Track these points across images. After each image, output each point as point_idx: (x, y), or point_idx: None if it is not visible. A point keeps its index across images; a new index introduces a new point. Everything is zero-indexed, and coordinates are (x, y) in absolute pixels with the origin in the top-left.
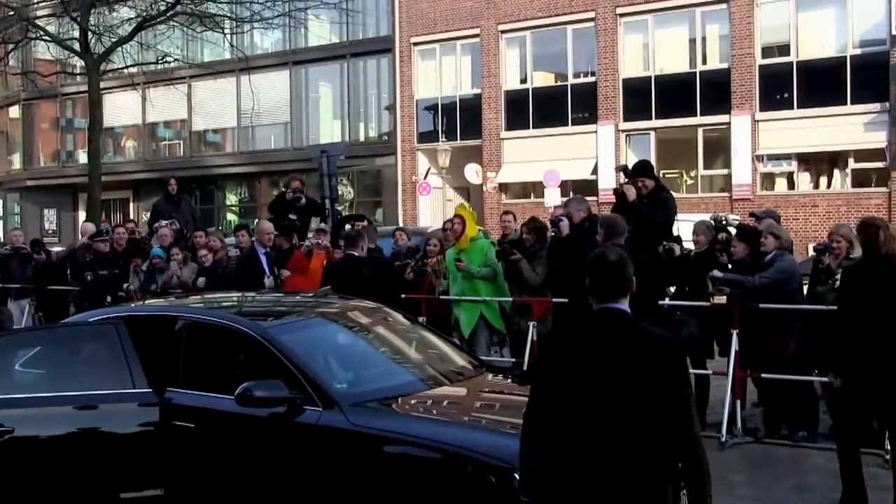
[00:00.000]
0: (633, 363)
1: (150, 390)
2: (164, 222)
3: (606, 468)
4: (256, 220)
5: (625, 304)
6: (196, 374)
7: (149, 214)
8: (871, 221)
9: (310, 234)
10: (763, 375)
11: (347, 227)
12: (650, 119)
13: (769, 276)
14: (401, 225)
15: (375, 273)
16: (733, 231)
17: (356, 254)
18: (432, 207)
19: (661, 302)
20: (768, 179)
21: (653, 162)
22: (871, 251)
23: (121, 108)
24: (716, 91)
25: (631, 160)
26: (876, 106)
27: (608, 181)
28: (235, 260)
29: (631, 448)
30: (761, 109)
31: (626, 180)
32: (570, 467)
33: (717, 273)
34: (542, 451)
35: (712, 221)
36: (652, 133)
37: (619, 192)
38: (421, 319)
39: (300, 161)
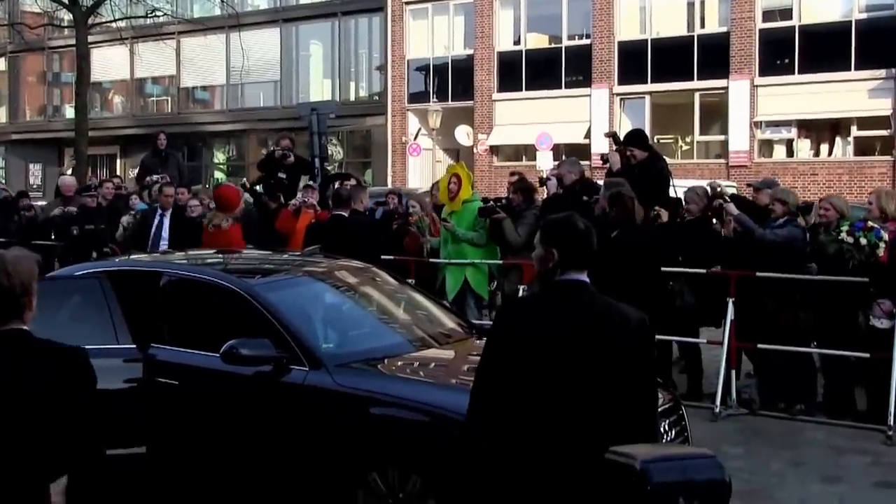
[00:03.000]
0: (595, 337)
1: (134, 346)
2: (155, 177)
3: (559, 443)
4: (243, 180)
5: (584, 276)
6: (181, 331)
7: (136, 170)
8: None
9: (299, 194)
10: (759, 346)
11: (336, 185)
12: (645, 83)
13: (781, 234)
14: (389, 185)
15: (363, 234)
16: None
17: (344, 214)
18: (422, 169)
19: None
20: (766, 146)
21: (647, 127)
22: None
23: (109, 63)
24: (714, 55)
25: (625, 125)
26: (881, 72)
27: (601, 146)
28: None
29: (586, 424)
30: (761, 74)
31: (615, 148)
32: (521, 441)
33: (732, 208)
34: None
35: (707, 188)
36: (647, 97)
37: (606, 159)
38: (409, 281)
39: (290, 119)
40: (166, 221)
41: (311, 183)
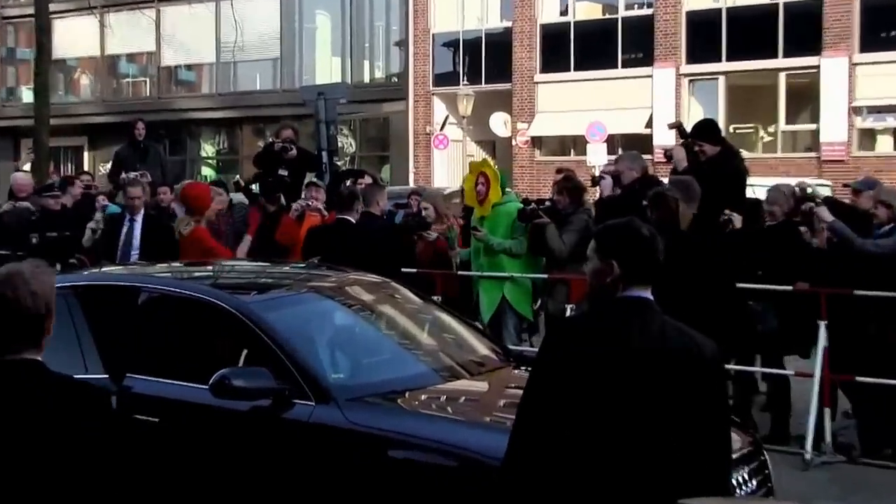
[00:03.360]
0: (661, 368)
1: (107, 376)
2: (132, 174)
3: (615, 494)
4: (237, 177)
5: (649, 293)
6: (163, 358)
7: (108, 166)
8: None
9: (302, 194)
10: (858, 379)
11: (347, 184)
12: (719, 61)
13: (886, 245)
14: (411, 184)
15: (372, 243)
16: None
17: (350, 219)
18: (449, 164)
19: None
20: (867, 137)
21: (721, 115)
22: None
23: (75, 37)
24: (804, 27)
25: (694, 112)
26: None
27: (665, 138)
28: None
29: (647, 471)
30: (861, 50)
31: (680, 142)
32: (570, 491)
33: (825, 214)
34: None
35: (795, 188)
36: (721, 78)
37: (669, 156)
38: (435, 298)
39: (292, 105)
40: (137, 227)
41: (316, 181)
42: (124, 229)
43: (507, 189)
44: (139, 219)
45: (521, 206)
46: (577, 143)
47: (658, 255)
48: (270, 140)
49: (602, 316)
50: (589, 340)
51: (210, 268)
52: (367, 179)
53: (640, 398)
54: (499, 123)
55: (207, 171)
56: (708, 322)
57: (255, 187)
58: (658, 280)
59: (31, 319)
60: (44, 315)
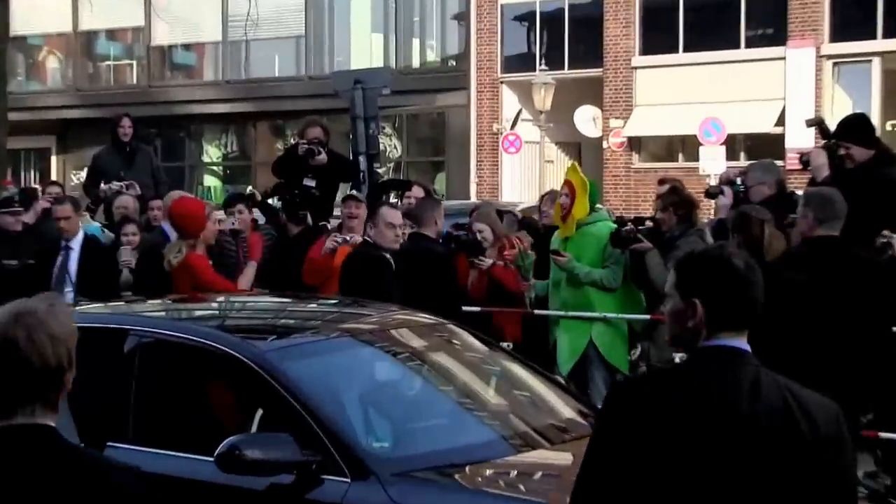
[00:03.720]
0: (762, 439)
1: (81, 445)
2: (116, 184)
3: None
4: (249, 189)
5: (745, 341)
6: (155, 421)
7: (83, 173)
8: None
9: (336, 213)
10: None
11: (391, 197)
12: (873, 38)
13: None
14: (473, 198)
15: (431, 273)
16: None
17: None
18: (522, 172)
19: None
20: None
21: (875, 108)
22: None
23: (40, 9)
24: None
25: (840, 104)
26: None
27: (801, 138)
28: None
29: None
30: None
31: (820, 143)
32: None
33: None
34: None
35: None
36: (875, 60)
37: (806, 161)
38: (505, 345)
39: (320, 97)
40: (73, 257)
41: (355, 193)
42: (58, 260)
43: (599, 206)
44: (76, 245)
45: (615, 226)
46: (686, 146)
47: (756, 292)
48: (293, 141)
49: (677, 372)
50: (662, 403)
51: (216, 305)
52: (418, 192)
53: (731, 478)
54: (586, 120)
55: (212, 182)
56: (823, 376)
57: (274, 201)
58: (756, 325)
59: (48, 373)
60: (64, 367)
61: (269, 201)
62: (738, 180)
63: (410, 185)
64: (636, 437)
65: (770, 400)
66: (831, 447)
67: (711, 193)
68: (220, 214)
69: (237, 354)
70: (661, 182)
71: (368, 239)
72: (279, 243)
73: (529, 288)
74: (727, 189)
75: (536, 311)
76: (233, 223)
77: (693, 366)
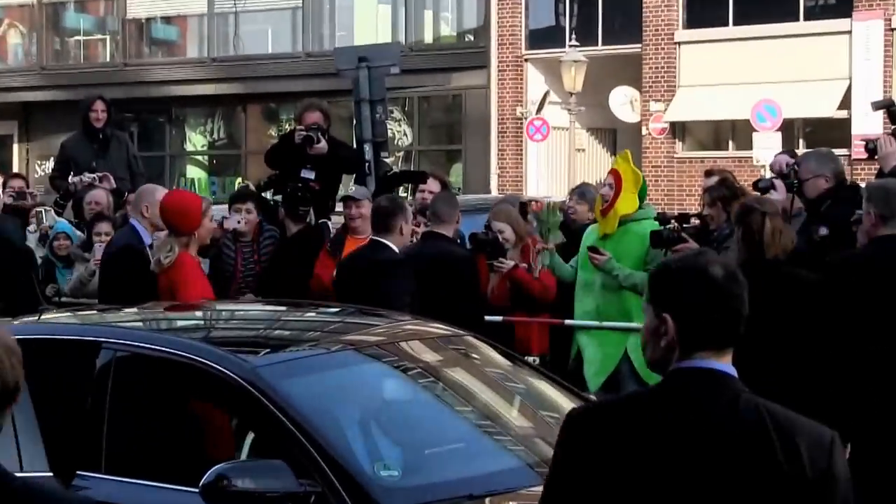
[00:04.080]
0: (744, 475)
1: (51, 474)
2: (88, 176)
3: None
4: (238, 181)
5: (728, 363)
6: (132, 446)
7: (50, 164)
8: None
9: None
10: None
11: (403, 192)
12: None
13: None
14: (494, 192)
15: (429, 278)
16: None
17: (388, 243)
18: (549, 163)
19: None
20: None
21: None
22: None
23: None
24: None
25: None
26: None
27: (867, 123)
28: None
29: None
30: None
31: (890, 128)
32: None
33: None
34: None
35: None
36: None
37: (873, 148)
38: (530, 359)
39: (319, 77)
40: None
41: (352, 193)
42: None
43: (646, 202)
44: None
45: (657, 223)
46: (737, 132)
47: (736, 305)
48: (289, 128)
49: (639, 399)
50: (628, 432)
51: (201, 314)
52: (434, 185)
53: None
54: (623, 103)
55: (196, 173)
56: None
57: (268, 195)
58: (739, 342)
59: (7, 394)
60: (11, 391)
61: (264, 195)
62: (792, 170)
63: (425, 178)
64: (590, 474)
65: (745, 426)
66: (817, 483)
67: (762, 187)
68: (252, 216)
69: (225, 370)
70: (709, 173)
71: (377, 238)
72: (279, 246)
73: (544, 253)
74: (779, 183)
75: (567, 322)
76: (239, 221)
77: (659, 391)
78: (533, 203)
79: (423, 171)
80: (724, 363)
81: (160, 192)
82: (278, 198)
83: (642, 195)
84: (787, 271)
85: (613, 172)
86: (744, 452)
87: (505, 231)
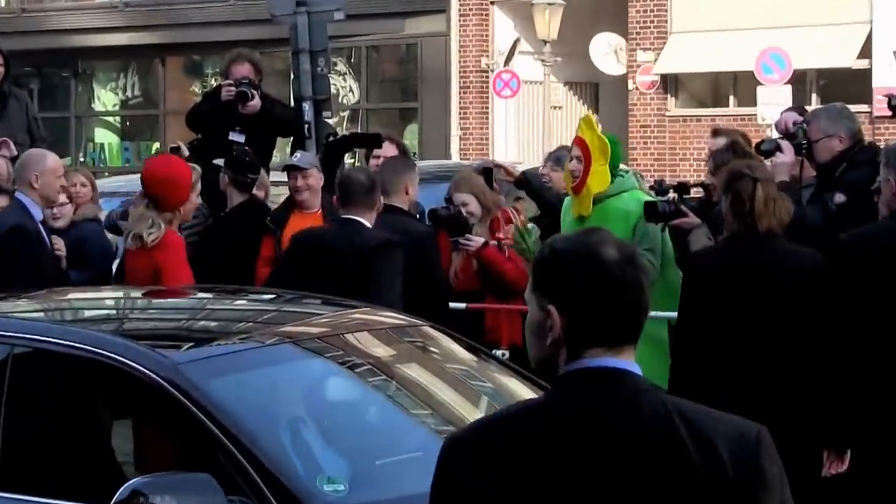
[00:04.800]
0: (655, 486)
1: None
2: None
3: None
4: (156, 147)
5: (630, 360)
6: (31, 459)
7: None
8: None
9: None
10: None
11: (347, 162)
12: None
13: None
14: (455, 158)
15: (395, 259)
16: None
17: (362, 220)
18: (521, 123)
19: None
20: None
21: None
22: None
23: None
24: None
25: None
26: None
27: (890, 75)
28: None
29: None
30: None
31: None
32: None
33: None
34: None
35: None
36: None
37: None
38: (499, 352)
39: (250, 24)
40: None
41: (295, 162)
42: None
43: (624, 168)
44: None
45: (649, 196)
46: (739, 86)
47: (636, 294)
48: (215, 83)
49: (525, 412)
50: (503, 456)
51: (113, 302)
52: (390, 149)
53: None
54: (606, 52)
55: (106, 137)
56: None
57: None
58: (633, 334)
59: None
60: None
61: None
62: (800, 130)
63: (380, 142)
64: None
65: (651, 430)
66: (745, 484)
67: (765, 150)
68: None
69: (141, 368)
70: (716, 133)
71: (351, 216)
72: (217, 221)
73: (523, 231)
74: (786, 144)
75: None
76: None
77: (548, 400)
78: (501, 232)
79: (376, 134)
80: (622, 360)
81: (50, 158)
82: (219, 162)
83: (615, 162)
84: (783, 246)
85: (579, 143)
86: (652, 460)
87: (469, 203)
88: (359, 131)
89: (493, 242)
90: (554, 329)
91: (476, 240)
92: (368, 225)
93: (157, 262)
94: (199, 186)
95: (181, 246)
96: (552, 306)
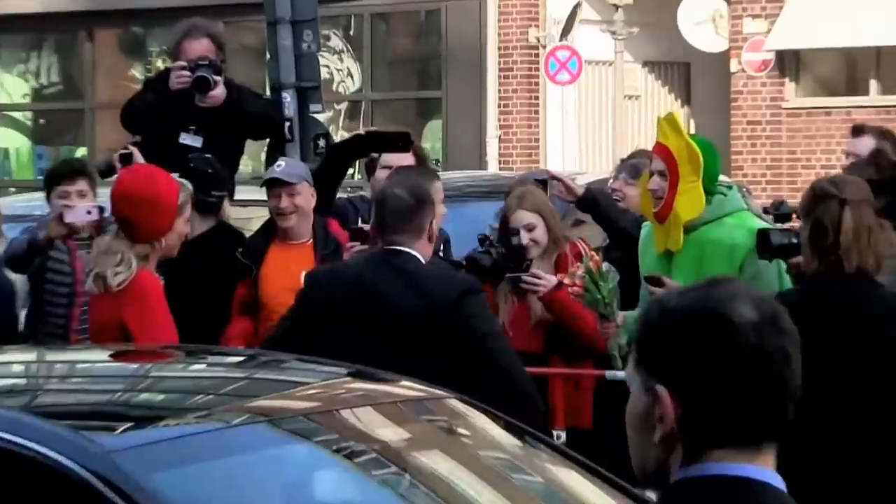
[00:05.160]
0: None
1: None
2: None
3: None
4: (82, 152)
5: (769, 467)
6: None
7: None
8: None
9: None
10: None
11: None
12: None
13: None
14: (492, 167)
15: (410, 309)
16: None
17: (416, 254)
18: (583, 118)
19: None
20: None
21: None
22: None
23: None
24: None
25: None
26: None
27: None
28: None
29: None
30: None
31: None
32: None
33: None
34: None
35: None
36: None
37: None
38: (557, 434)
39: None
40: None
41: (278, 175)
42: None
43: (726, 183)
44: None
45: (763, 221)
46: (882, 67)
47: (781, 372)
48: (162, 65)
49: None
50: None
51: (23, 368)
52: (402, 156)
53: None
54: (699, 21)
55: (12, 139)
56: None
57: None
58: (784, 433)
59: None
60: None
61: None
62: None
63: (409, 144)
64: None
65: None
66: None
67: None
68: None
69: (61, 458)
70: (858, 132)
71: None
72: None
73: (617, 332)
74: None
75: (607, 373)
76: (89, 212)
77: None
78: (566, 275)
79: (404, 132)
80: (762, 467)
81: None
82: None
83: (712, 177)
84: (878, 292)
85: (660, 151)
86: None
87: (537, 227)
88: (375, 129)
89: (567, 282)
90: (665, 420)
91: (548, 278)
92: (421, 259)
93: (123, 313)
94: (187, 210)
95: (158, 291)
96: (663, 388)
